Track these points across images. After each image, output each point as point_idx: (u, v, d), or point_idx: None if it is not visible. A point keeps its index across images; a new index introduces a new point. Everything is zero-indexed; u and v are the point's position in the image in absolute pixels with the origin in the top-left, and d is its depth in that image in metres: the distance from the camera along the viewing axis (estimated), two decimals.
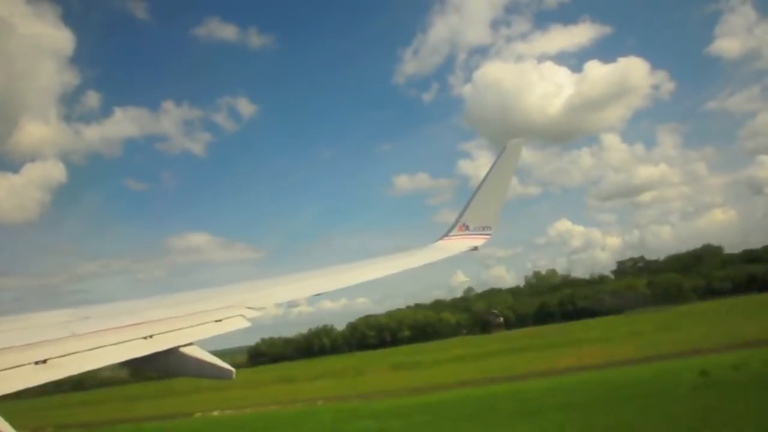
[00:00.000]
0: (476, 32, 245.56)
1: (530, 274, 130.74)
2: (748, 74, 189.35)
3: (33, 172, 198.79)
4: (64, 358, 2.96)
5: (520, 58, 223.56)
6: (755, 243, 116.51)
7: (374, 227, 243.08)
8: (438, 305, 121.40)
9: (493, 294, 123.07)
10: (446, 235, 8.06)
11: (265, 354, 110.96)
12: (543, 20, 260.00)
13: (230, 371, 3.53)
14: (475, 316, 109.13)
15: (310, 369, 73.42)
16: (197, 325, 3.86)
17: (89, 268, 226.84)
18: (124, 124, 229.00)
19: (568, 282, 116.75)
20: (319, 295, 5.30)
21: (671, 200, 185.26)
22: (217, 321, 4.00)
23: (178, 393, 58.62)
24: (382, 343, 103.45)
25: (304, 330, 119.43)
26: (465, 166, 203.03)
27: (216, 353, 3.70)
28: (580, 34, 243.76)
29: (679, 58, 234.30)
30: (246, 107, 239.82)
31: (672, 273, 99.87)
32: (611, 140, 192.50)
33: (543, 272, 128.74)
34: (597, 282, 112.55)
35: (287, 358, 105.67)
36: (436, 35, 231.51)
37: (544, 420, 20.74)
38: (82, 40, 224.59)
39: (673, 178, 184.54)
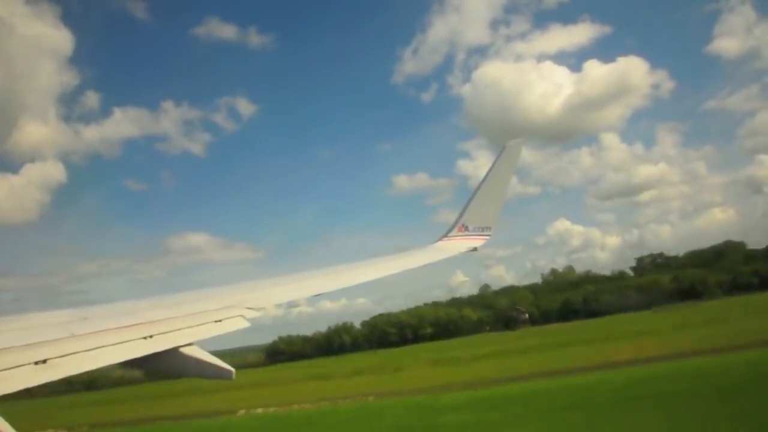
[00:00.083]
0: (475, 32, 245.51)
1: (547, 271, 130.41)
2: (747, 73, 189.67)
3: (33, 172, 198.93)
4: (63, 358, 2.96)
5: (519, 58, 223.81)
6: (755, 242, 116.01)
7: (374, 227, 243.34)
8: (456, 302, 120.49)
9: (511, 291, 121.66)
10: (446, 235, 8.06)
11: (283, 352, 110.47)
12: (542, 20, 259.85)
13: (230, 371, 3.54)
14: (498, 313, 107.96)
15: (339, 366, 72.23)
16: (197, 325, 3.87)
17: (89, 268, 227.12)
18: (123, 124, 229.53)
19: (589, 279, 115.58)
20: (318, 295, 5.30)
21: (671, 199, 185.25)
22: (217, 321, 4.01)
23: (206, 391, 57.51)
24: (403, 341, 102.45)
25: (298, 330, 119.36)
26: (464, 166, 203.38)
27: (217, 353, 3.71)
28: (580, 33, 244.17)
29: (678, 58, 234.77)
30: (245, 107, 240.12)
31: (696, 269, 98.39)
32: (611, 140, 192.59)
33: (560, 270, 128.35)
34: (618, 278, 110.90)
35: (306, 356, 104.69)
36: (436, 35, 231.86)
37: (671, 408, 20.17)
38: (81, 40, 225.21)
39: (672, 178, 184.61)
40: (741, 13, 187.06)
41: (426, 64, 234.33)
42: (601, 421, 20.86)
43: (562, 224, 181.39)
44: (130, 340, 3.39)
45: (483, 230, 8.01)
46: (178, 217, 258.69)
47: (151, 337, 3.48)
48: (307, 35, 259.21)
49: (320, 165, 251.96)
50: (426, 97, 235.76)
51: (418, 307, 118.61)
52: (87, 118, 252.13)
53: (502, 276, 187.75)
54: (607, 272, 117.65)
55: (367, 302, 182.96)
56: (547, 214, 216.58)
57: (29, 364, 2.81)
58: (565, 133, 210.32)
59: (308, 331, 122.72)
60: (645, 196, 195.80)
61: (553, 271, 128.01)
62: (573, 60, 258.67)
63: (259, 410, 40.76)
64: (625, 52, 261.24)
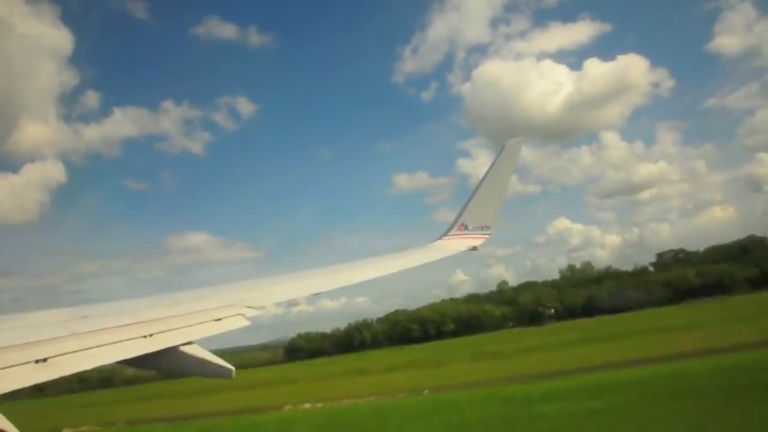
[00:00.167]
0: (475, 30, 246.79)
1: (565, 267, 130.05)
2: (747, 71, 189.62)
3: (32, 172, 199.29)
4: (63, 356, 2.97)
5: (519, 57, 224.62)
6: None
7: (373, 226, 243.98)
8: (475, 299, 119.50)
9: (531, 287, 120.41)
10: (445, 234, 8.06)
11: (302, 349, 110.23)
12: (542, 18, 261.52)
13: (230, 370, 3.55)
14: (521, 308, 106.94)
15: (371, 362, 70.93)
16: (197, 324, 3.88)
17: (89, 268, 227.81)
18: (123, 123, 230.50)
19: (610, 274, 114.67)
20: (318, 294, 5.31)
21: (670, 198, 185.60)
22: (216, 320, 4.01)
23: (240, 388, 57.30)
24: (425, 337, 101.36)
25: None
26: (464, 165, 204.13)
27: (218, 352, 3.71)
28: (580, 32, 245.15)
29: (678, 56, 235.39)
30: (245, 106, 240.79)
31: (720, 264, 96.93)
32: (611, 138, 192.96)
33: (578, 265, 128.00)
34: (640, 274, 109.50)
35: (326, 353, 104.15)
36: (436, 34, 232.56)
37: None
38: (81, 39, 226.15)
39: (672, 176, 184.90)
40: (741, 11, 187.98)
41: (426, 63, 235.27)
42: (717, 410, 19.46)
43: (562, 223, 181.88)
44: (130, 339, 3.40)
45: (482, 229, 8.01)
46: (177, 216, 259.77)
47: (151, 335, 3.49)
48: (306, 34, 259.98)
49: (320, 164, 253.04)
50: (426, 96, 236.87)
51: (438, 303, 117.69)
52: (87, 118, 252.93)
53: (502, 275, 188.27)
54: (628, 268, 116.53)
55: (367, 301, 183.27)
56: (547, 212, 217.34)
57: (29, 362, 2.81)
58: (565, 132, 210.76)
59: (306, 330, 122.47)
60: (645, 195, 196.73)
61: (571, 267, 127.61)
62: (573, 58, 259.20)
63: (306, 405, 39.68)
64: (625, 51, 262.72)
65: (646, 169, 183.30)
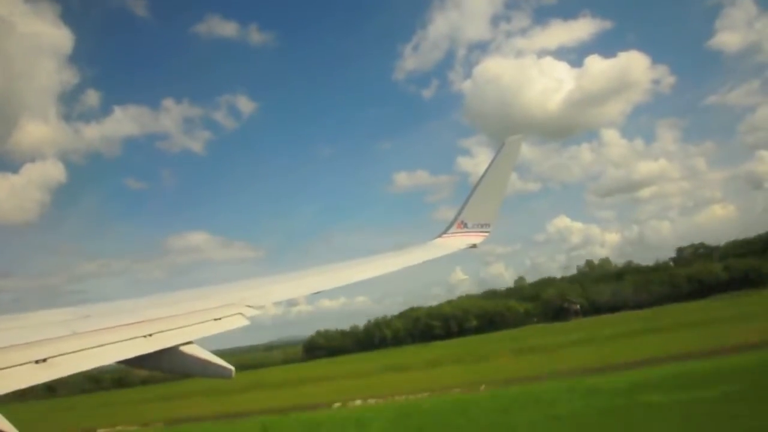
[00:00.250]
0: (476, 28, 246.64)
1: (582, 263, 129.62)
2: (748, 68, 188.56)
3: (33, 172, 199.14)
4: (64, 356, 2.97)
5: (520, 54, 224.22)
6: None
7: (373, 225, 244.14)
8: (492, 294, 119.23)
9: (547, 283, 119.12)
10: (445, 232, 8.06)
11: (322, 347, 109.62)
12: (543, 15, 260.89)
13: (230, 370, 3.56)
14: (545, 304, 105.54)
15: (406, 358, 69.60)
16: (196, 323, 3.88)
17: (89, 268, 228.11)
18: (124, 122, 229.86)
19: (631, 270, 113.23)
20: (318, 293, 5.31)
21: (671, 195, 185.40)
22: (216, 319, 4.02)
23: (272, 386, 57.00)
24: (448, 334, 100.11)
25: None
26: (464, 163, 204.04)
27: (217, 352, 3.72)
28: (581, 29, 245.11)
29: (679, 53, 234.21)
30: (246, 105, 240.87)
31: (744, 258, 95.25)
32: (611, 136, 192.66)
33: (595, 261, 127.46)
34: (662, 269, 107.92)
35: (346, 351, 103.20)
36: (436, 31, 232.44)
37: None
38: (81, 38, 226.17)
39: (672, 174, 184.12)
40: (742, 8, 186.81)
41: (426, 61, 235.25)
42: None
43: (562, 221, 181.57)
44: (130, 339, 3.41)
45: (482, 227, 8.01)
46: (178, 216, 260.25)
47: (150, 335, 3.50)
48: (307, 33, 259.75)
49: (320, 163, 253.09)
50: (426, 93, 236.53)
51: (458, 299, 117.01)
52: (87, 117, 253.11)
53: (502, 273, 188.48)
54: (650, 263, 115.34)
55: (367, 300, 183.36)
56: (547, 210, 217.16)
57: (30, 362, 2.82)
58: (565, 129, 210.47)
59: (307, 331, 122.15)
60: (645, 193, 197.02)
61: (589, 263, 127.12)
62: (574, 55, 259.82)
63: (357, 402, 38.38)
64: (626, 48, 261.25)
65: (646, 167, 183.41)
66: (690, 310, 69.28)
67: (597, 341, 52.35)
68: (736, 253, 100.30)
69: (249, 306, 4.35)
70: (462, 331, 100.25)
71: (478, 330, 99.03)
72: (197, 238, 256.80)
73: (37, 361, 2.85)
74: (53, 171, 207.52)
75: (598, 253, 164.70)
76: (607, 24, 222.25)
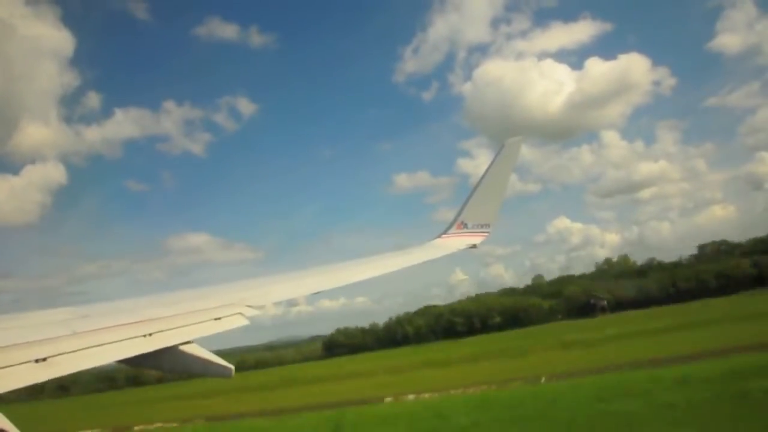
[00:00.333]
0: (476, 30, 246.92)
1: (601, 261, 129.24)
2: (748, 70, 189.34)
3: (33, 173, 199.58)
4: (64, 356, 2.98)
5: (520, 56, 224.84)
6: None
7: (373, 226, 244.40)
8: (510, 292, 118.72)
9: (567, 280, 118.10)
10: (444, 233, 8.07)
11: (343, 345, 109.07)
12: (543, 18, 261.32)
13: (230, 369, 3.57)
14: (569, 301, 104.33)
15: (437, 354, 68.42)
16: (196, 323, 3.89)
17: (89, 269, 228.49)
18: (124, 124, 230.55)
19: (653, 266, 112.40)
20: (318, 293, 5.31)
21: (671, 197, 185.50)
22: (216, 319, 4.02)
23: (308, 382, 56.42)
24: (470, 331, 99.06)
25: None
26: (465, 165, 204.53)
27: (223, 351, 3.72)
28: (581, 31, 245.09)
29: (680, 55, 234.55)
30: (246, 107, 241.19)
31: None
32: (611, 137, 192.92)
33: (614, 258, 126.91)
34: (686, 265, 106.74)
35: (367, 348, 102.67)
36: (437, 33, 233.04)
37: None
38: (82, 40, 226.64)
39: (672, 175, 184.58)
40: (742, 10, 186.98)
41: (427, 63, 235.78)
42: None
43: (562, 222, 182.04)
44: (130, 338, 3.42)
45: (482, 227, 8.03)
46: (178, 217, 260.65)
47: (150, 335, 3.50)
48: (308, 34, 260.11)
49: (321, 164, 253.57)
50: (427, 95, 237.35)
51: (477, 296, 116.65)
52: (88, 119, 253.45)
53: (501, 274, 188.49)
54: (674, 258, 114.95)
55: (367, 301, 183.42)
56: (547, 211, 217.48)
57: (29, 361, 2.82)
58: (566, 131, 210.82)
59: (306, 332, 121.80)
60: (645, 194, 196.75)
61: (608, 260, 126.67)
62: (574, 58, 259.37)
63: (410, 396, 37.28)
64: (626, 50, 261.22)
65: (646, 168, 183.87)
66: (724, 305, 67.55)
67: (645, 334, 51.10)
68: (760, 249, 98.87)
69: (249, 306, 4.36)
70: (485, 328, 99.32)
71: (502, 327, 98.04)
72: (197, 239, 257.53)
73: (37, 360, 2.86)
74: (54, 173, 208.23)
75: (598, 254, 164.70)
76: (608, 26, 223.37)
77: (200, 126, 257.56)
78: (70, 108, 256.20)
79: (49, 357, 2.92)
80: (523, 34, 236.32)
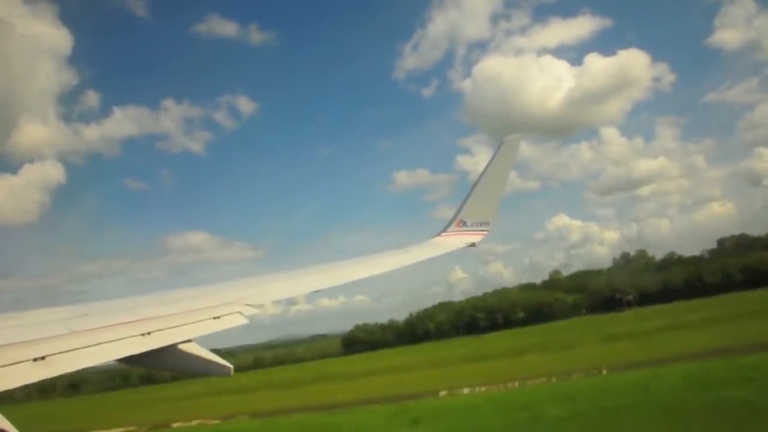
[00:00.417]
0: (476, 26, 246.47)
1: (618, 256, 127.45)
2: (747, 66, 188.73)
3: (32, 173, 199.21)
4: (62, 354, 2.97)
5: (519, 52, 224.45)
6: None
7: (373, 224, 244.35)
8: (530, 288, 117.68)
9: (585, 275, 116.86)
10: (443, 231, 8.06)
11: (363, 341, 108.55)
12: (542, 14, 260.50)
13: (228, 368, 3.57)
14: (592, 295, 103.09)
15: (473, 348, 67.63)
16: (195, 322, 3.89)
17: (89, 268, 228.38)
18: (123, 123, 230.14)
19: (673, 261, 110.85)
20: (317, 291, 5.31)
21: (670, 193, 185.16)
22: (215, 318, 4.02)
23: (343, 377, 55.89)
24: (493, 326, 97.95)
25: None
26: (464, 162, 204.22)
27: (215, 351, 3.72)
28: (580, 27, 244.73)
29: (679, 50, 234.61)
30: (246, 105, 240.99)
31: None
32: (610, 134, 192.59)
33: (632, 253, 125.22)
34: (708, 260, 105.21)
35: (388, 344, 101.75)
36: (436, 30, 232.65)
37: None
38: (80, 39, 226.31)
39: (672, 171, 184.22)
40: (741, 5, 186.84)
41: (426, 60, 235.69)
42: None
43: (561, 219, 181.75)
44: (129, 337, 3.41)
45: (481, 225, 8.00)
46: (177, 216, 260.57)
47: (149, 333, 3.50)
48: (307, 32, 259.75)
49: (320, 162, 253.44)
50: (426, 92, 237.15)
51: (494, 292, 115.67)
52: (87, 118, 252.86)
53: (500, 272, 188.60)
54: (696, 253, 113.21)
55: (366, 299, 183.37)
56: (546, 209, 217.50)
57: (28, 360, 2.82)
58: (566, 127, 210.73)
59: (306, 331, 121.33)
60: (644, 191, 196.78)
61: (625, 255, 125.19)
62: (574, 54, 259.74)
63: (465, 390, 36.84)
64: (626, 45, 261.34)
65: (645, 165, 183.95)
66: (753, 298, 66.41)
67: (691, 327, 50.25)
68: None
69: (248, 305, 4.35)
70: (508, 323, 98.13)
71: (525, 322, 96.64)
72: (197, 238, 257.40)
73: (35, 359, 2.85)
74: (53, 172, 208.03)
75: (597, 251, 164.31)
76: (607, 22, 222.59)
77: (200, 124, 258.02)
78: (69, 107, 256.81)
79: (48, 356, 2.92)
80: (523, 31, 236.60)
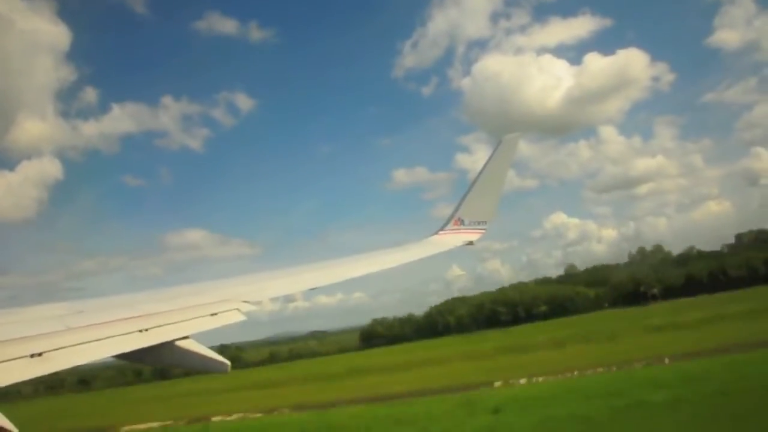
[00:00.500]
0: (475, 25, 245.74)
1: (634, 251, 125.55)
2: (746, 66, 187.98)
3: (30, 169, 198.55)
4: (59, 351, 2.98)
5: (519, 51, 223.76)
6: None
7: (371, 222, 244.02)
8: (546, 282, 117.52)
9: (605, 270, 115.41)
10: (441, 229, 8.05)
11: (382, 336, 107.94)
12: (542, 13, 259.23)
13: (226, 364, 3.58)
14: (615, 289, 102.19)
15: (504, 341, 66.93)
16: (192, 318, 3.89)
17: (86, 265, 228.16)
18: (122, 120, 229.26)
19: (692, 256, 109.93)
20: (314, 289, 5.31)
21: (668, 192, 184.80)
22: (212, 314, 4.03)
23: (378, 370, 55.21)
24: (515, 320, 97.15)
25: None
26: (463, 160, 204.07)
27: (213, 348, 3.72)
28: (580, 26, 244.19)
29: (678, 50, 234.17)
30: (245, 102, 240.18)
31: None
32: (609, 133, 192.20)
33: (648, 248, 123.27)
34: (731, 254, 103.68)
35: (406, 338, 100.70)
36: (436, 28, 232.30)
37: None
38: (79, 35, 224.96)
39: (670, 170, 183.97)
40: (741, 6, 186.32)
41: (426, 58, 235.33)
42: None
43: (559, 217, 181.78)
44: (126, 333, 3.42)
45: (479, 224, 8.00)
46: (175, 213, 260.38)
47: (146, 330, 3.50)
48: (307, 30, 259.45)
49: (319, 160, 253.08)
50: (426, 90, 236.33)
51: (523, 284, 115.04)
52: (85, 114, 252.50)
53: (498, 269, 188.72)
54: (715, 247, 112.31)
55: (363, 296, 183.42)
56: (544, 207, 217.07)
57: (25, 356, 2.83)
58: (565, 126, 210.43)
59: (303, 328, 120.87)
60: (642, 189, 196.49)
61: (641, 250, 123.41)
62: (573, 53, 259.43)
63: (522, 381, 36.31)
64: (625, 45, 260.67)
65: (643, 164, 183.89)
66: None
67: (727, 319, 49.94)
68: None
69: (245, 301, 4.36)
70: (530, 317, 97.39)
71: (547, 316, 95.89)
72: (195, 235, 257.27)
73: (32, 355, 2.86)
74: (51, 168, 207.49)
75: (595, 250, 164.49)
76: (607, 21, 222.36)
77: (198, 121, 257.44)
78: (67, 103, 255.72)
79: (45, 352, 2.92)
80: (523, 29, 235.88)
